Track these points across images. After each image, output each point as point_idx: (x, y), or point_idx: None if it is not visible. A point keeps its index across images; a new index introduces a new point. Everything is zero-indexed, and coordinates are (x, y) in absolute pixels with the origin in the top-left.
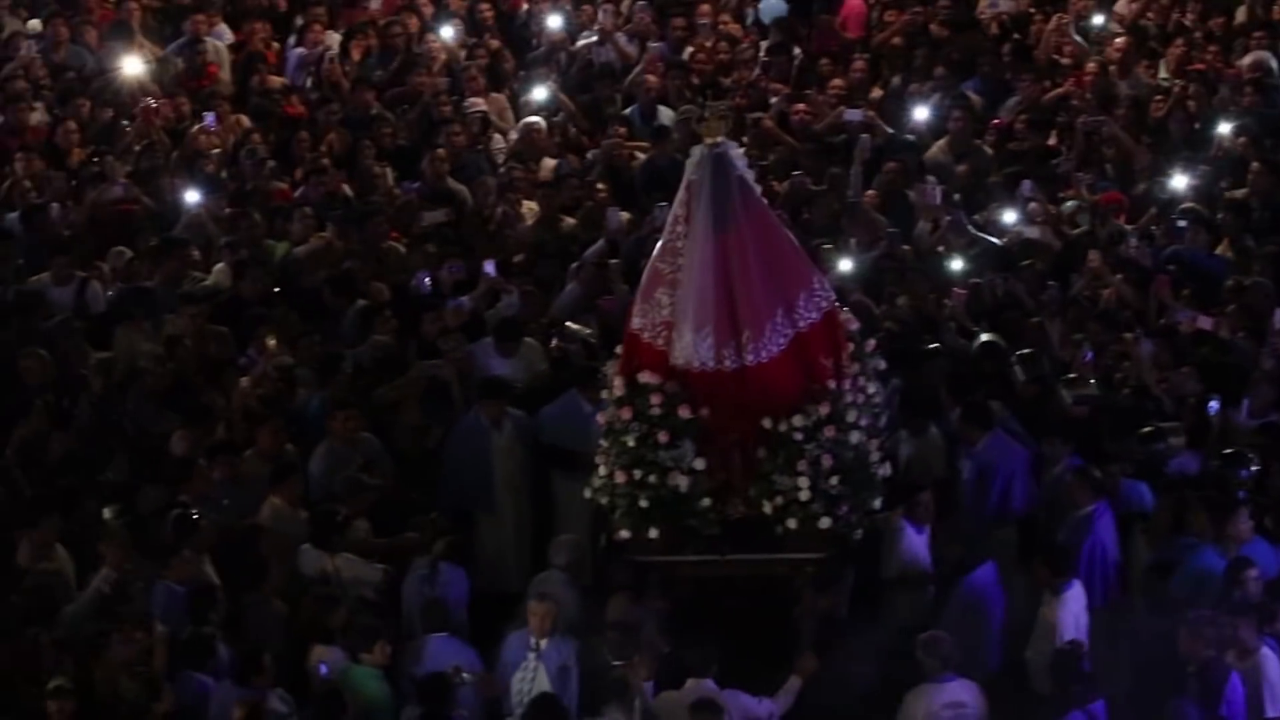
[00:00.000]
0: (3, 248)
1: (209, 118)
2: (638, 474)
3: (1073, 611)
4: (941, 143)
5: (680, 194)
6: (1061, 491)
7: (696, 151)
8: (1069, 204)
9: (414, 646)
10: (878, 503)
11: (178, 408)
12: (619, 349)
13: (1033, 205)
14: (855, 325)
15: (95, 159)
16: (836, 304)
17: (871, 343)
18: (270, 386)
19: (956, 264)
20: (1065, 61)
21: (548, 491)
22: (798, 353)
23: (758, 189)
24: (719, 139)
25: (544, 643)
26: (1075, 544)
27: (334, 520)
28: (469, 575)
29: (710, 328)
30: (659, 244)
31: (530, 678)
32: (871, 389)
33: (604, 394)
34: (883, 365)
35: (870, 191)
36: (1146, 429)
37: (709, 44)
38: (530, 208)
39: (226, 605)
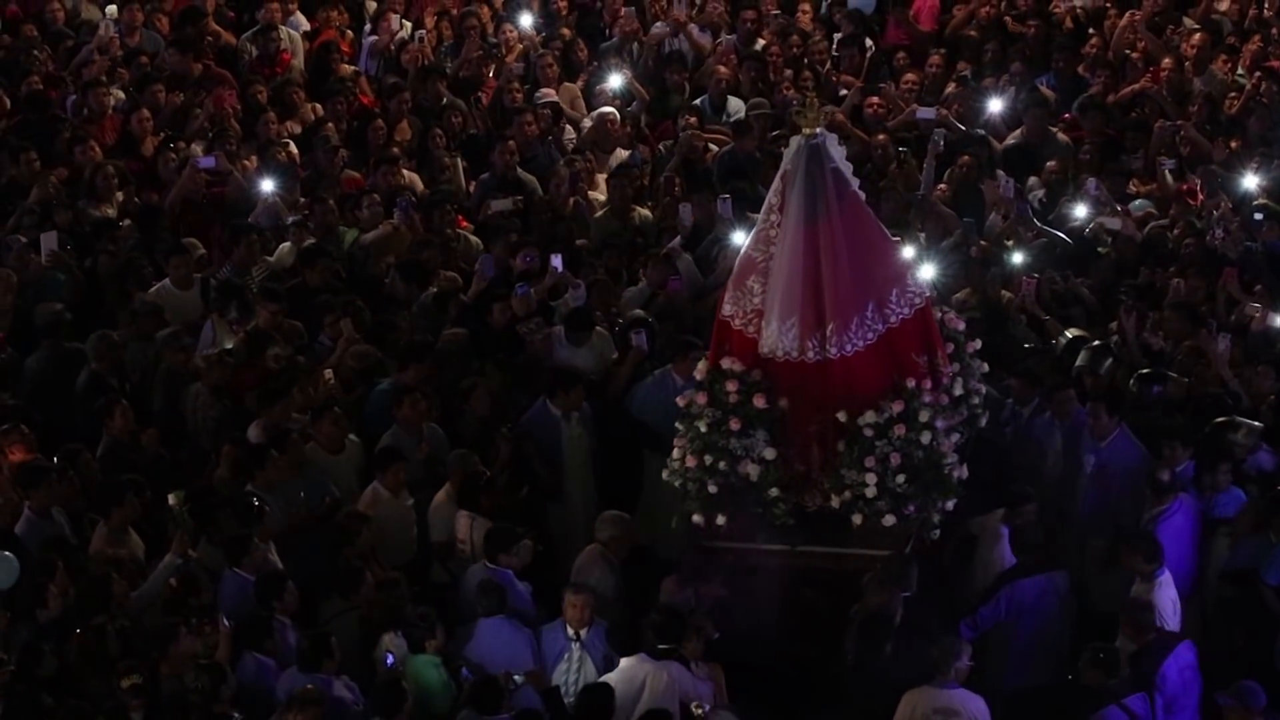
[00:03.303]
0: (110, 240)
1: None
2: (708, 459)
3: (1169, 595)
4: (1017, 134)
5: (775, 183)
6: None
7: (794, 141)
8: (1137, 203)
9: (468, 630)
10: (950, 504)
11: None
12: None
13: (1103, 197)
14: (961, 325)
15: (170, 145)
16: (931, 302)
17: (976, 343)
18: (347, 374)
19: (1017, 257)
20: (1135, 56)
21: (621, 477)
22: (887, 349)
23: (854, 182)
24: (817, 130)
25: (584, 632)
26: None
27: (479, 480)
28: (537, 566)
29: (796, 318)
30: (753, 231)
31: (576, 668)
32: (959, 390)
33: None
34: (985, 368)
35: (941, 186)
36: (1221, 419)
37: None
38: (596, 198)
39: (298, 596)
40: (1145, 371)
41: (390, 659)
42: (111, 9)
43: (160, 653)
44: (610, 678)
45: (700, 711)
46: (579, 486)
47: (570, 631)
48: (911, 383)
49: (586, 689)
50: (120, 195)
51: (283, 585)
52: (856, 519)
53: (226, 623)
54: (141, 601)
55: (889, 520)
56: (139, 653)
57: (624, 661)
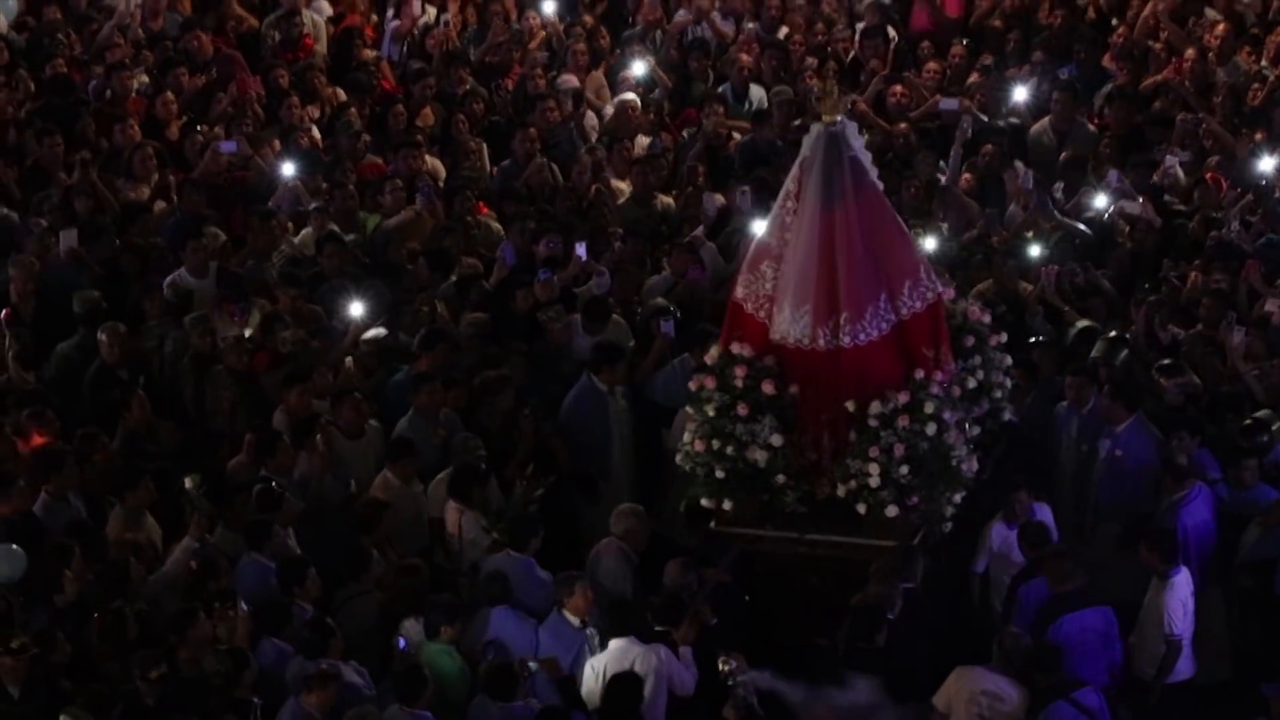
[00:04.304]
0: (142, 222)
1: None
2: (716, 444)
3: (1180, 597)
4: (1043, 122)
5: (794, 170)
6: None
7: (813, 129)
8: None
9: (476, 619)
10: (958, 497)
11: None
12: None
13: (1125, 189)
14: (987, 318)
15: (196, 128)
16: (943, 296)
17: (1001, 336)
18: (365, 359)
19: (1035, 249)
20: (1157, 47)
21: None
22: (898, 340)
23: (873, 171)
24: (837, 118)
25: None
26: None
27: (476, 472)
28: (583, 544)
29: (809, 306)
30: (769, 217)
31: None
32: (972, 384)
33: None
34: (1008, 361)
35: (966, 175)
36: (1247, 422)
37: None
38: (619, 186)
39: (319, 583)
40: (1165, 363)
41: (403, 643)
42: None
43: (179, 637)
44: (601, 659)
45: (728, 668)
46: (624, 461)
47: (576, 621)
48: (920, 374)
49: (616, 678)
50: (156, 177)
51: (305, 571)
52: (861, 508)
53: (244, 608)
54: (159, 585)
55: (892, 511)
56: (157, 637)
57: (613, 644)
